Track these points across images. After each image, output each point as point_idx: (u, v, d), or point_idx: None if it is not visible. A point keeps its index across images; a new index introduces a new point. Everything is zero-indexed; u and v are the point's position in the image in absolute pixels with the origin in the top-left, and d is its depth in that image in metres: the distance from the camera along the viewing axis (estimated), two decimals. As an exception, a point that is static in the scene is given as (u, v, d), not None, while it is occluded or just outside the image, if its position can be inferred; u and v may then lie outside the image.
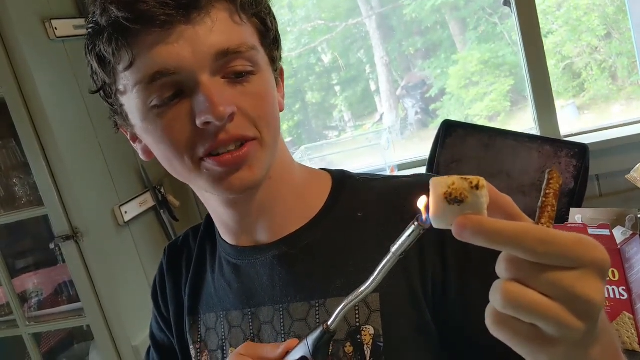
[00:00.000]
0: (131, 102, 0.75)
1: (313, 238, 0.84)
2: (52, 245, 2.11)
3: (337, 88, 3.10)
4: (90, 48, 0.75)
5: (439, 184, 0.46)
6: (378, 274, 0.57)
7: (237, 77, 0.72)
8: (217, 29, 0.70)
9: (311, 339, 0.64)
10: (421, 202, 0.49)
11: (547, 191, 0.48)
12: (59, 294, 2.18)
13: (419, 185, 0.81)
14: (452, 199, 0.45)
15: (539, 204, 0.48)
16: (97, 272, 1.94)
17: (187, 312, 0.94)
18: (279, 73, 0.84)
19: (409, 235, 0.52)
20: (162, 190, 2.22)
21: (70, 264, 1.95)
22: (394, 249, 0.54)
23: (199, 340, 0.92)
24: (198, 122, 0.70)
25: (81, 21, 2.01)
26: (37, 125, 1.85)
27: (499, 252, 0.59)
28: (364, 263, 0.72)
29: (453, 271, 0.76)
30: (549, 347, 0.46)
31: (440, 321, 0.77)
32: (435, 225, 0.48)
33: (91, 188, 1.96)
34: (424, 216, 0.49)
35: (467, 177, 0.46)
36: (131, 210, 2.07)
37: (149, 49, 0.69)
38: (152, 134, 0.75)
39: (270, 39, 0.78)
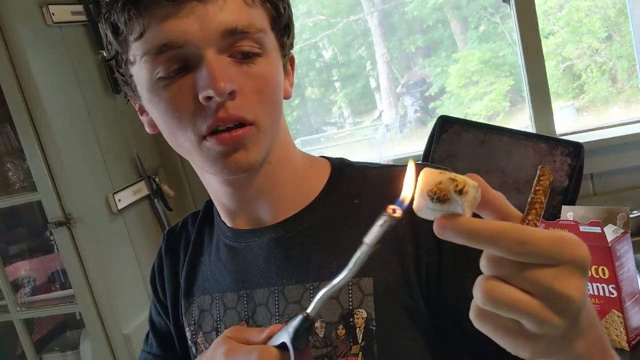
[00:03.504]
0: (139, 73, 0.76)
1: (310, 222, 0.84)
2: (47, 233, 2.11)
3: (337, 84, 3.10)
4: (105, 17, 0.77)
5: (427, 181, 0.47)
6: (354, 266, 0.57)
7: (243, 58, 0.73)
8: (227, 8, 0.72)
9: (292, 325, 0.64)
10: (405, 190, 0.50)
11: (537, 188, 0.49)
12: (52, 282, 2.18)
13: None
14: (435, 198, 0.46)
15: (529, 200, 0.48)
16: (89, 259, 1.94)
17: (182, 294, 0.95)
18: (288, 60, 0.84)
19: (381, 226, 0.53)
20: (157, 179, 2.21)
21: (63, 250, 1.95)
22: (368, 240, 0.54)
23: (193, 322, 0.93)
24: (200, 97, 0.71)
25: (79, 7, 2.01)
26: (32, 110, 1.85)
27: None
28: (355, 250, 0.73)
29: (448, 259, 0.77)
30: (530, 342, 0.47)
31: (434, 308, 0.78)
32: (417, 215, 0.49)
33: (85, 175, 1.95)
34: (403, 205, 0.51)
35: (457, 178, 0.46)
36: (125, 199, 2.07)
37: (159, 22, 0.71)
38: (157, 106, 0.76)
39: (281, 25, 0.79)
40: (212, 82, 0.70)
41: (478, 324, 0.49)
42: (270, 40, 0.77)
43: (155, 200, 2.22)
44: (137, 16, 0.72)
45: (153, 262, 1.04)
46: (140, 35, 0.72)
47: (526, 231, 0.45)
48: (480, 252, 0.56)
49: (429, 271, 0.77)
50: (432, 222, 0.58)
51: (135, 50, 0.74)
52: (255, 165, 0.77)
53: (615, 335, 1.31)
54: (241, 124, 0.73)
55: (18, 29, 1.79)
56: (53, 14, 1.89)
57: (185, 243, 0.99)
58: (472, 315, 0.49)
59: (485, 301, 0.46)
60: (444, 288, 0.77)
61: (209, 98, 0.70)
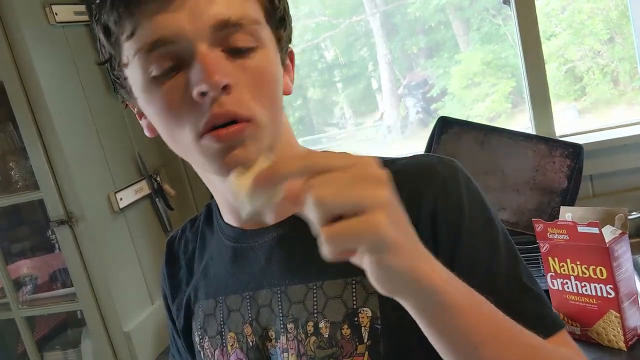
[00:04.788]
0: (133, 74, 0.74)
1: None
2: (49, 233, 2.12)
3: (339, 85, 3.10)
4: (96, 19, 0.75)
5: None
6: None
7: (238, 52, 0.71)
8: (219, 0, 0.70)
9: None
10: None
11: None
12: (53, 281, 2.19)
13: (416, 166, 0.82)
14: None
15: None
16: (90, 257, 1.95)
17: (192, 300, 0.95)
18: (287, 55, 0.82)
19: None
20: (158, 178, 2.22)
21: (64, 248, 1.96)
22: None
23: (199, 327, 0.93)
24: (194, 93, 0.69)
25: (81, 7, 2.02)
26: (35, 109, 1.86)
27: (489, 216, 0.78)
28: None
29: (444, 245, 0.76)
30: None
31: None
32: (253, 202, 0.57)
33: (87, 173, 1.96)
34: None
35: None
36: (126, 197, 2.08)
37: (149, 18, 0.69)
38: (153, 106, 0.74)
39: (276, 17, 0.77)
40: (205, 77, 0.67)
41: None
42: (265, 32, 0.74)
43: (157, 199, 2.23)
44: (127, 14, 0.70)
45: (160, 278, 1.04)
46: (132, 34, 0.71)
47: (313, 152, 0.55)
48: (476, 224, 0.75)
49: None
50: (432, 217, 0.75)
51: (128, 50, 0.73)
52: (254, 162, 0.75)
53: (613, 336, 1.31)
54: (236, 121, 0.71)
55: (21, 29, 1.80)
56: (56, 13, 1.90)
57: (185, 250, 0.99)
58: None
59: (320, 204, 0.51)
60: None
61: (203, 94, 0.68)
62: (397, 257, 0.53)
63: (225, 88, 0.69)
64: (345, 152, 0.55)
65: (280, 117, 0.78)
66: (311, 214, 0.53)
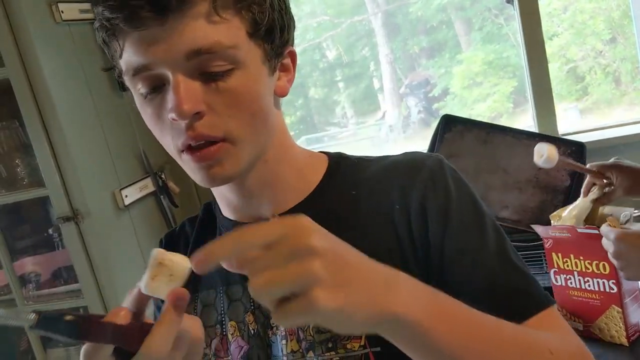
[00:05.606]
0: (128, 84, 0.79)
1: (309, 213, 0.85)
2: (51, 231, 2.13)
3: (341, 84, 3.12)
4: (97, 31, 0.80)
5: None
6: None
7: (213, 76, 0.74)
8: (190, 30, 0.72)
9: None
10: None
11: None
12: (57, 278, 2.19)
13: (405, 161, 0.86)
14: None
15: None
16: (95, 254, 1.97)
17: (190, 293, 0.96)
18: (282, 60, 0.83)
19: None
20: (163, 176, 2.24)
21: (70, 245, 1.97)
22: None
23: None
24: (168, 117, 0.74)
25: (87, 5, 2.03)
26: (41, 107, 1.87)
27: (475, 201, 0.82)
28: (356, 239, 0.75)
29: (434, 229, 0.79)
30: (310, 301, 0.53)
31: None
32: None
33: (92, 171, 1.98)
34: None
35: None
36: (131, 195, 2.09)
37: (130, 46, 0.74)
38: (144, 117, 0.80)
39: (262, 31, 0.77)
40: (175, 106, 0.72)
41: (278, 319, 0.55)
42: (245, 52, 0.75)
43: (161, 196, 2.24)
44: (114, 38, 0.75)
45: None
46: (120, 55, 0.75)
47: (243, 230, 0.56)
48: (465, 207, 0.79)
49: (423, 254, 0.80)
50: (422, 205, 0.79)
51: (120, 65, 0.77)
52: (233, 177, 0.79)
53: (615, 331, 1.32)
54: (210, 141, 0.75)
55: (28, 27, 1.82)
56: (62, 11, 1.92)
57: (185, 244, 1.00)
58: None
59: (260, 294, 0.54)
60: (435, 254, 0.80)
61: (175, 119, 0.73)
62: (346, 317, 0.55)
63: (197, 114, 0.73)
64: (277, 218, 0.57)
65: (265, 127, 0.81)
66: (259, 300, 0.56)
